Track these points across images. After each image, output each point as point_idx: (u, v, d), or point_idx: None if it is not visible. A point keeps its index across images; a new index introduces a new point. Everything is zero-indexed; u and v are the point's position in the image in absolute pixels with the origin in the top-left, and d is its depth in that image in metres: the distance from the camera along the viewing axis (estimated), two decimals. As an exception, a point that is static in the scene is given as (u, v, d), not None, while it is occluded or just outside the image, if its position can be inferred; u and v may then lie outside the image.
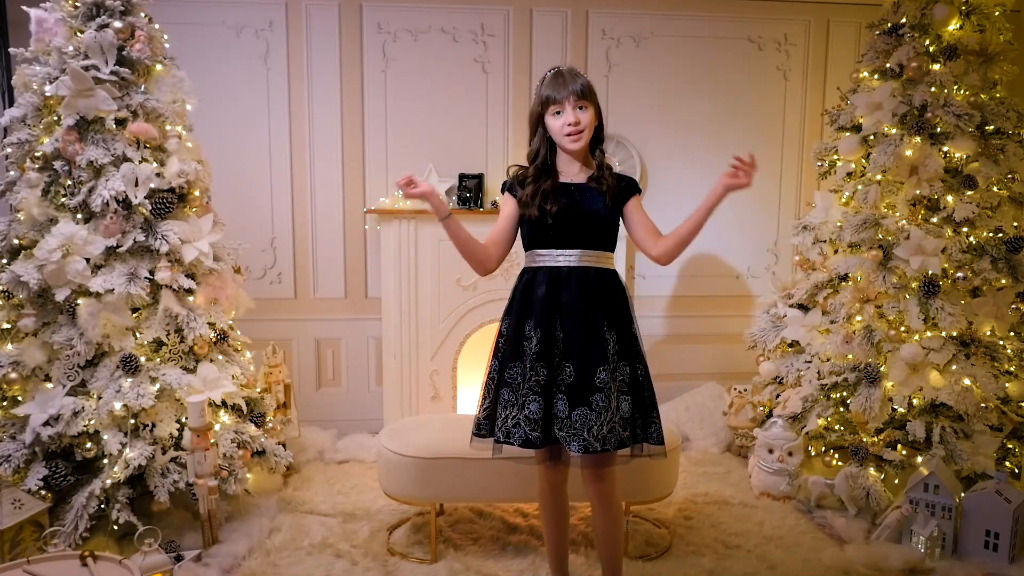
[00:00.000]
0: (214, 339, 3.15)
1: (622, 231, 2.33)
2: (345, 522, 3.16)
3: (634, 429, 2.21)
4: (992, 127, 3.30)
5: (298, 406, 4.07)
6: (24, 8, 3.08)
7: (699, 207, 2.17)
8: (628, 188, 2.29)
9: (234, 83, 4.12)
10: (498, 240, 2.32)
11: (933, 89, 3.28)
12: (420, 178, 4.05)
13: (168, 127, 3.10)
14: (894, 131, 3.34)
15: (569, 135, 2.19)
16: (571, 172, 2.28)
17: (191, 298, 3.09)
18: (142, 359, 2.93)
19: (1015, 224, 3.29)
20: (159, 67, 3.13)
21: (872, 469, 3.22)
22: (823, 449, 3.47)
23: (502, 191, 2.35)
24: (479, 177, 4.15)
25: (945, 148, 3.29)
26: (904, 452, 3.23)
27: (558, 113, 2.20)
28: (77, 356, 2.87)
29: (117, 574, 2.18)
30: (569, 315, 2.18)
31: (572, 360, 2.16)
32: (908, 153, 3.24)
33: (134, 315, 2.97)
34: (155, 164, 3.02)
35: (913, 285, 3.24)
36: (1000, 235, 3.25)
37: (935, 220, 3.28)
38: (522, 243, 2.32)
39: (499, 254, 2.33)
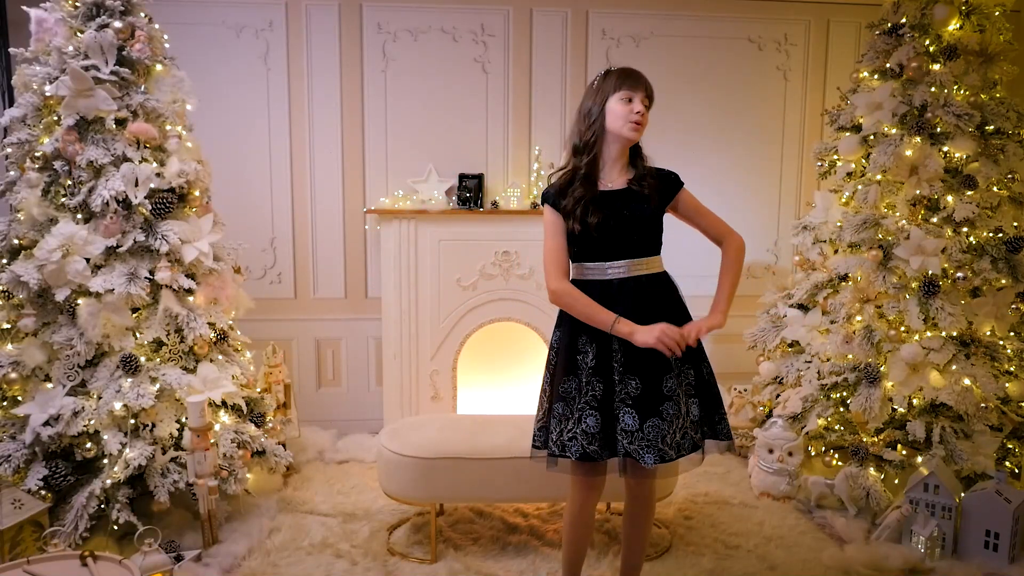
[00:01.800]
0: (214, 339, 3.15)
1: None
2: (345, 522, 3.16)
3: (702, 428, 2.22)
4: (992, 127, 3.30)
5: (298, 406, 4.07)
6: (24, 8, 3.08)
7: (719, 291, 2.31)
8: (671, 184, 2.26)
9: (234, 83, 4.12)
10: (566, 264, 2.24)
11: (933, 89, 3.28)
12: (420, 178, 4.11)
13: (168, 127, 3.10)
14: (894, 131, 3.34)
15: (633, 123, 2.15)
16: (611, 176, 2.22)
17: (191, 298, 3.09)
18: (142, 359, 2.93)
19: (1015, 224, 3.29)
20: (159, 67, 3.13)
21: (872, 469, 3.22)
22: (823, 449, 3.47)
23: (543, 203, 2.26)
24: (479, 177, 4.15)
25: (945, 148, 3.29)
26: (904, 452, 3.23)
27: (629, 100, 2.16)
28: (77, 356, 2.87)
29: (117, 574, 2.18)
30: None
31: (637, 372, 2.12)
32: (908, 153, 3.24)
33: (134, 315, 2.97)
34: (155, 164, 3.03)
35: (913, 285, 3.24)
36: (1000, 235, 3.25)
37: (935, 220, 3.28)
38: (568, 256, 2.26)
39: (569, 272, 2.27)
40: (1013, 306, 3.24)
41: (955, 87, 3.30)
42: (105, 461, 2.84)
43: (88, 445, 2.84)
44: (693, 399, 2.18)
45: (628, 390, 2.12)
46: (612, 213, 2.16)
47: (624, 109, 2.16)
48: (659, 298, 2.20)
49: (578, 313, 2.16)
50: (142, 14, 3.12)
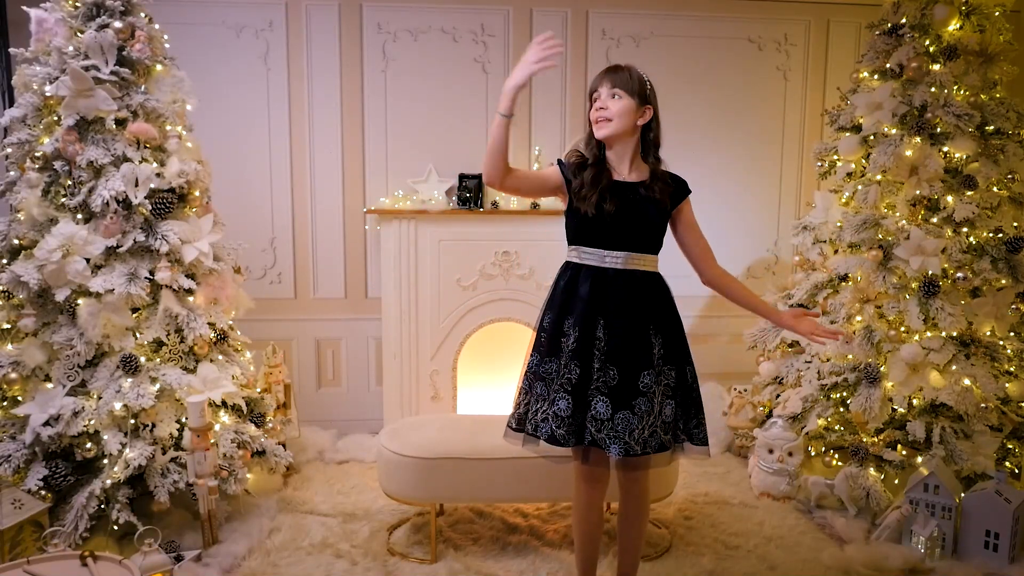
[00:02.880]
0: (214, 339, 3.15)
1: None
2: (345, 522, 3.16)
3: (675, 431, 2.21)
4: (992, 127, 3.30)
5: (298, 406, 4.07)
6: (24, 8, 3.08)
7: (768, 309, 2.37)
8: (680, 189, 2.27)
9: (234, 83, 4.12)
10: (524, 176, 2.28)
11: (933, 89, 3.28)
12: (420, 178, 4.11)
13: (168, 127, 3.10)
14: (894, 131, 3.34)
15: (597, 121, 2.18)
16: (621, 171, 2.24)
17: (191, 298, 3.09)
18: (142, 359, 2.93)
19: (1015, 224, 3.29)
20: (159, 67, 3.13)
21: (872, 469, 3.22)
22: (823, 449, 3.48)
23: (558, 163, 2.29)
24: (479, 177, 4.15)
25: (945, 148, 3.29)
26: (904, 452, 3.23)
27: (595, 100, 2.21)
28: (77, 356, 2.87)
29: (117, 574, 2.18)
30: (615, 318, 2.16)
31: (617, 363, 2.13)
32: (908, 153, 3.24)
33: (134, 315, 2.97)
34: (155, 164, 3.03)
35: (913, 285, 3.24)
36: (1000, 235, 3.25)
37: (935, 220, 3.28)
38: (566, 236, 2.28)
39: (513, 183, 2.22)
40: (1013, 306, 3.24)
41: (955, 87, 3.30)
42: (105, 461, 2.84)
43: (88, 445, 2.84)
44: (669, 400, 2.18)
45: (606, 379, 2.13)
46: (624, 204, 2.18)
47: (591, 110, 2.22)
48: (650, 295, 2.21)
49: (491, 147, 2.12)
50: (142, 14, 3.12)
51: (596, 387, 2.14)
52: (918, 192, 3.25)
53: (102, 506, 2.81)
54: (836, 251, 3.61)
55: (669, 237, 2.32)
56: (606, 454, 2.17)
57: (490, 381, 4.21)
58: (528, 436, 2.24)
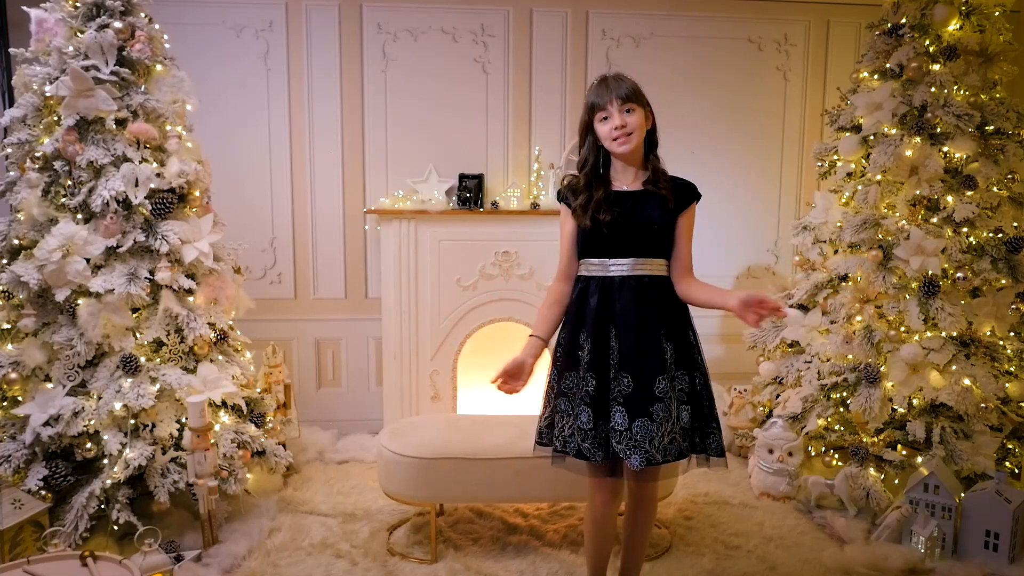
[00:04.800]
0: (214, 339, 3.15)
1: None
2: (345, 522, 3.16)
3: (692, 438, 2.18)
4: (992, 127, 3.30)
5: (298, 406, 4.07)
6: (24, 8, 3.08)
7: (719, 297, 2.19)
8: (686, 194, 2.23)
9: (234, 83, 4.12)
10: (566, 267, 2.29)
11: (933, 89, 3.28)
12: (420, 178, 4.11)
13: (168, 127, 3.10)
14: (894, 131, 3.34)
15: (617, 139, 2.15)
16: (626, 180, 2.23)
17: (191, 298, 3.09)
18: (142, 359, 2.93)
19: (1015, 224, 3.29)
20: (159, 67, 3.13)
21: (872, 469, 3.22)
22: (823, 449, 3.48)
23: (559, 200, 2.30)
24: (479, 177, 4.15)
25: (945, 148, 3.28)
26: (904, 452, 3.23)
27: (605, 119, 2.17)
28: (77, 356, 2.87)
29: (117, 574, 2.18)
30: (624, 325, 2.14)
31: (629, 370, 2.11)
32: (908, 153, 3.24)
33: (134, 315, 2.97)
34: (155, 164, 3.03)
35: (913, 285, 3.24)
36: (1000, 235, 3.25)
37: (935, 220, 3.28)
38: (576, 251, 2.27)
39: (572, 277, 2.28)
40: (1013, 306, 3.24)
41: (955, 87, 3.30)
42: (105, 461, 2.84)
43: (88, 445, 2.84)
44: (684, 405, 2.16)
45: (621, 387, 2.12)
46: (624, 211, 2.17)
47: (605, 129, 2.17)
48: (660, 300, 2.18)
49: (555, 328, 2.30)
50: (142, 14, 3.12)
51: (613, 397, 2.12)
52: (918, 192, 3.25)
53: (102, 506, 2.81)
54: (836, 251, 3.61)
55: None
56: (624, 465, 2.15)
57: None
58: (557, 453, 2.23)
